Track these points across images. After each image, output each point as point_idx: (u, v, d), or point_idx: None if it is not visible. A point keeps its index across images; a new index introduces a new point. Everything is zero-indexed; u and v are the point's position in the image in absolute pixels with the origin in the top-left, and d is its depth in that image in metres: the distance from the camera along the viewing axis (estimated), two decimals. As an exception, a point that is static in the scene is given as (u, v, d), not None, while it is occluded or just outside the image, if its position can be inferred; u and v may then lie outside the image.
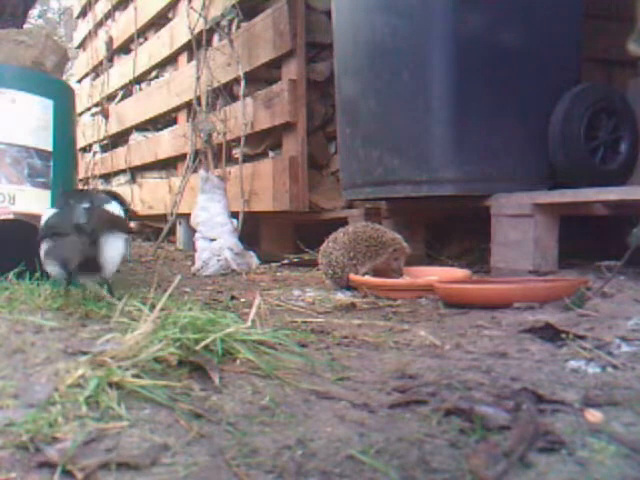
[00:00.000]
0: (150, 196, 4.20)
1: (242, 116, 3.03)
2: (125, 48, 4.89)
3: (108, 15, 5.12)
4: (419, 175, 2.12)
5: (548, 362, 1.01)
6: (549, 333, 1.16)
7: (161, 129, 4.27)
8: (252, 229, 3.08)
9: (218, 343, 0.89)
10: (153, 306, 0.96)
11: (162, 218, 3.80)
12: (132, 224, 4.88)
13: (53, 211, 1.34)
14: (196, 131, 3.29)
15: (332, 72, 2.64)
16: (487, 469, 0.63)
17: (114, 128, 4.79)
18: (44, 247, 1.26)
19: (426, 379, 0.93)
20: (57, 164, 1.64)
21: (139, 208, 4.31)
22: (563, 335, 1.12)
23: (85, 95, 5.36)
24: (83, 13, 5.80)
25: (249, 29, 3.09)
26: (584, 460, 0.65)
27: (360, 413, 0.80)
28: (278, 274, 2.48)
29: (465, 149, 2.06)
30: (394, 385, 0.91)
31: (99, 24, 5.32)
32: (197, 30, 3.33)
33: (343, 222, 2.49)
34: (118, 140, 4.87)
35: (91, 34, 5.40)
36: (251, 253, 2.73)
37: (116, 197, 1.46)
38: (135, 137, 4.60)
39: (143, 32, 4.46)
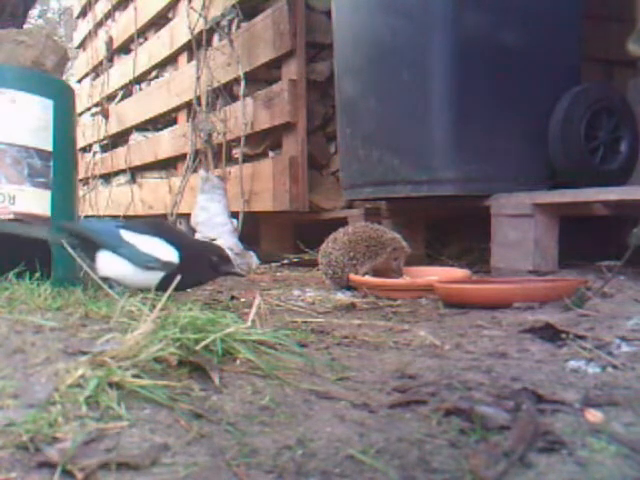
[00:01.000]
0: (150, 196, 4.20)
1: (242, 116, 3.03)
2: (125, 48, 4.89)
3: (108, 15, 5.11)
4: (419, 175, 2.12)
5: (548, 362, 1.01)
6: (549, 333, 1.16)
7: (161, 129, 4.27)
8: (252, 229, 3.08)
9: (218, 343, 0.89)
10: (153, 306, 0.96)
11: (162, 218, 3.80)
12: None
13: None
14: (196, 131, 3.30)
15: (332, 72, 2.64)
16: (487, 469, 0.63)
17: (114, 128, 4.79)
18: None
19: (426, 379, 0.93)
20: (57, 164, 1.64)
21: (139, 208, 4.31)
22: (563, 335, 1.12)
23: (85, 95, 5.36)
24: (83, 13, 5.79)
25: (249, 29, 3.09)
26: (584, 460, 0.65)
27: (360, 413, 0.80)
28: (278, 274, 2.48)
29: (465, 149, 2.06)
30: (394, 385, 0.91)
31: (99, 24, 5.32)
32: (197, 30, 3.34)
33: (343, 222, 2.49)
34: (118, 140, 4.87)
35: (91, 34, 5.40)
36: (251, 253, 2.73)
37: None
38: (135, 137, 4.60)
39: (143, 32, 4.46)
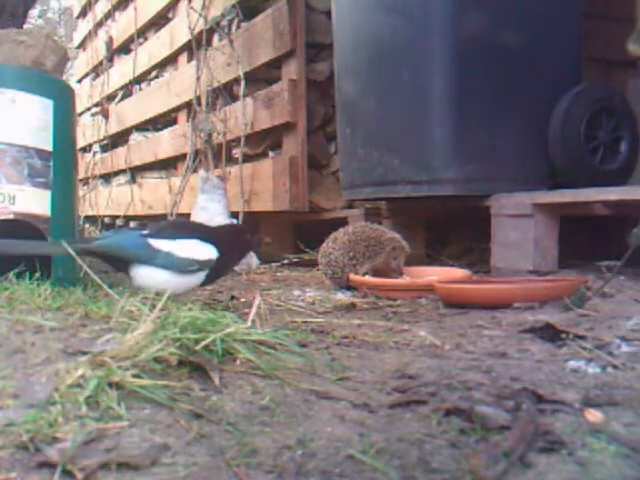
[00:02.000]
0: (150, 196, 4.20)
1: (242, 116, 3.03)
2: (125, 48, 4.89)
3: (108, 15, 5.12)
4: (419, 175, 2.12)
5: (548, 362, 1.01)
6: (549, 333, 1.16)
7: (161, 129, 4.27)
8: (252, 229, 3.08)
9: (218, 343, 0.89)
10: (153, 306, 0.96)
11: (162, 218, 3.80)
12: (132, 224, 4.86)
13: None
14: (196, 131, 3.30)
15: (332, 72, 2.64)
16: (487, 469, 0.63)
17: (114, 128, 4.79)
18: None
19: (426, 379, 0.93)
20: (57, 164, 1.64)
21: (139, 208, 4.31)
22: (563, 335, 1.12)
23: (85, 95, 5.36)
24: (83, 13, 5.80)
25: (249, 29, 3.09)
26: (584, 460, 0.65)
27: (360, 413, 0.80)
28: (278, 274, 2.48)
29: (465, 149, 2.06)
30: (394, 385, 0.91)
31: (99, 24, 5.32)
32: (197, 30, 3.34)
33: (343, 222, 2.49)
34: (118, 140, 4.87)
35: (91, 34, 5.40)
36: (251, 253, 2.72)
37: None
38: (135, 137, 4.60)
39: (143, 32, 4.46)
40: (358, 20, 2.30)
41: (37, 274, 1.41)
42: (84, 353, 0.82)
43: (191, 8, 3.39)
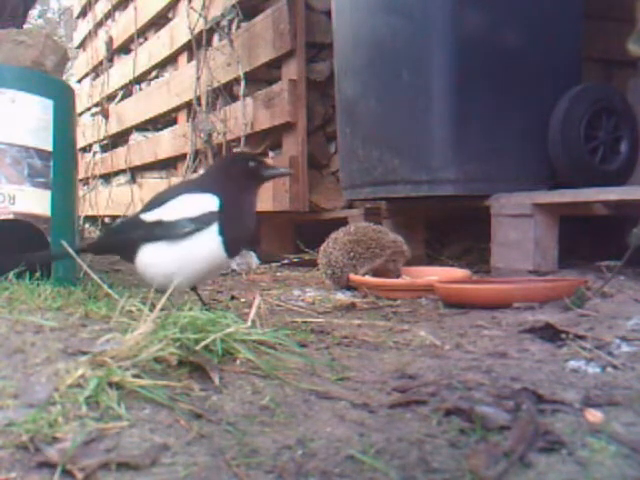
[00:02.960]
0: (150, 196, 4.19)
1: (242, 116, 3.03)
2: (125, 48, 4.89)
3: (108, 15, 5.12)
4: (419, 175, 2.11)
5: (548, 362, 1.01)
6: (549, 333, 1.16)
7: (161, 129, 4.27)
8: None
9: (218, 343, 0.89)
10: (153, 306, 0.96)
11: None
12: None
13: None
14: (196, 131, 3.30)
15: (332, 72, 2.64)
16: (487, 469, 0.63)
17: (114, 128, 4.79)
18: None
19: (426, 379, 0.93)
20: (57, 164, 1.64)
21: (139, 208, 4.31)
22: (563, 335, 1.12)
23: (85, 95, 5.36)
24: (83, 13, 5.80)
25: (249, 29, 3.09)
26: (584, 460, 0.65)
27: (360, 413, 0.80)
28: (278, 274, 2.48)
29: (465, 149, 2.06)
30: (394, 385, 0.92)
31: (99, 24, 5.32)
32: (197, 30, 3.34)
33: (343, 222, 2.48)
34: (118, 140, 4.87)
35: (91, 34, 5.40)
36: (251, 253, 2.72)
37: None
38: (135, 137, 4.60)
39: (143, 32, 4.46)
40: (358, 20, 2.30)
41: (37, 274, 1.41)
42: (84, 353, 0.82)
43: (191, 8, 3.39)
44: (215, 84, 3.26)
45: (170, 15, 4.11)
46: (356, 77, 2.33)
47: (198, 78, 3.34)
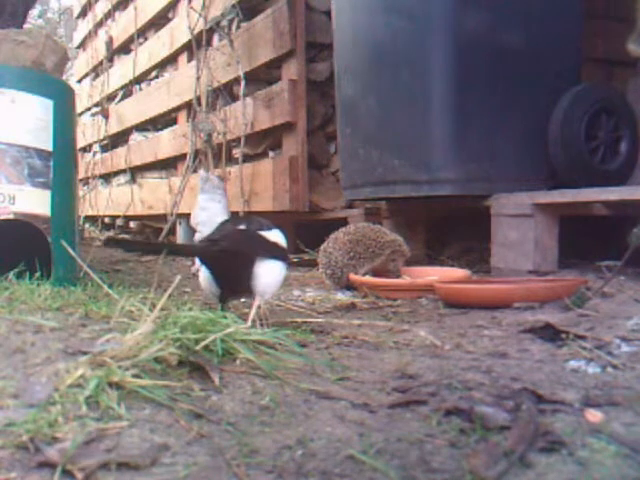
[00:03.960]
0: (150, 196, 4.20)
1: (242, 116, 3.03)
2: (125, 48, 4.89)
3: (108, 15, 5.12)
4: (419, 175, 2.12)
5: (548, 362, 1.01)
6: (549, 333, 1.16)
7: (161, 129, 4.27)
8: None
9: (218, 343, 0.89)
10: (153, 306, 0.96)
11: (162, 218, 3.80)
12: (132, 224, 4.85)
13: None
14: (196, 131, 3.30)
15: (332, 72, 2.64)
16: (487, 469, 0.63)
17: (114, 128, 4.79)
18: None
19: (426, 379, 0.93)
20: (57, 164, 1.64)
21: (139, 208, 4.31)
22: (563, 335, 1.12)
23: (85, 95, 5.36)
24: (83, 13, 5.80)
25: (249, 29, 3.09)
26: (584, 460, 0.65)
27: (360, 413, 0.80)
28: (278, 274, 2.47)
29: (465, 149, 2.06)
30: (394, 385, 0.91)
31: (99, 24, 5.32)
32: (197, 30, 3.34)
33: (343, 222, 2.49)
34: (118, 140, 4.87)
35: (91, 34, 5.40)
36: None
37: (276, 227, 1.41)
38: (135, 137, 4.60)
39: (143, 32, 4.46)
40: (358, 20, 2.30)
41: (37, 274, 1.41)
42: (84, 353, 0.82)
43: (191, 8, 3.39)
44: (215, 84, 3.26)
45: (170, 15, 4.11)
46: (356, 77, 2.33)
47: (198, 78, 3.34)
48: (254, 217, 1.44)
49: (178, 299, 1.43)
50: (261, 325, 1.15)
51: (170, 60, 4.08)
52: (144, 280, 2.15)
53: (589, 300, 1.39)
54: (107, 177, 5.11)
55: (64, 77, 2.64)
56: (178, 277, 1.08)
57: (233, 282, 1.25)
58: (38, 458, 0.61)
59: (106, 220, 4.99)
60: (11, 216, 1.55)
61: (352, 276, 1.92)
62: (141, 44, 4.44)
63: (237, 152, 3.17)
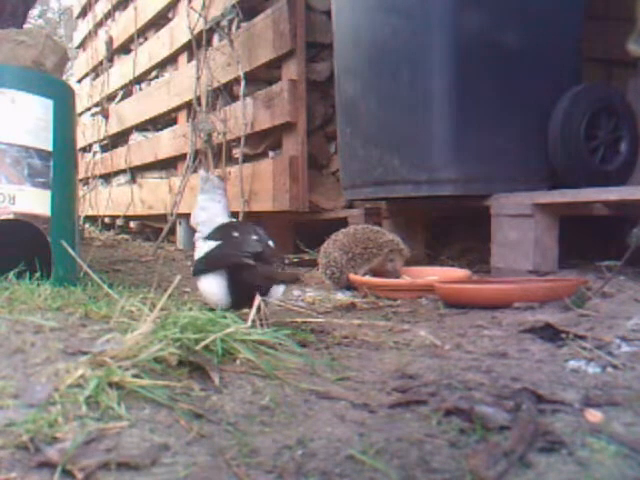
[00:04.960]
0: (150, 196, 4.20)
1: (242, 116, 3.03)
2: (125, 48, 4.89)
3: (108, 15, 5.12)
4: (419, 175, 2.12)
5: (548, 362, 1.01)
6: (549, 333, 1.16)
7: (161, 129, 4.27)
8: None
9: (218, 343, 0.89)
10: (153, 306, 0.96)
11: (162, 218, 3.80)
12: (132, 224, 4.84)
13: (214, 243, 1.34)
14: (196, 131, 3.30)
15: (332, 72, 2.64)
16: (487, 469, 0.63)
17: (114, 128, 4.79)
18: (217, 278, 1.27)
19: (426, 379, 0.93)
20: (57, 164, 1.64)
21: (139, 208, 4.31)
22: (563, 335, 1.12)
23: (85, 95, 5.36)
24: (83, 13, 5.80)
25: (249, 29, 3.09)
26: (584, 460, 0.65)
27: (360, 413, 0.80)
28: (278, 274, 2.47)
29: (465, 149, 2.06)
30: (394, 385, 0.91)
31: (99, 24, 5.32)
32: (197, 30, 3.34)
33: (343, 222, 2.49)
34: (118, 140, 4.87)
35: (91, 34, 5.40)
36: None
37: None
38: (135, 137, 4.60)
39: (143, 32, 4.46)
40: (358, 20, 2.30)
41: (37, 274, 1.41)
42: (84, 353, 0.82)
43: (191, 8, 3.39)
44: (215, 84, 3.26)
45: (170, 15, 4.11)
46: (356, 77, 2.33)
47: (198, 78, 3.34)
48: (250, 224, 1.45)
49: (178, 299, 1.43)
50: (261, 325, 1.15)
51: (170, 60, 4.08)
52: (144, 280, 2.15)
53: (589, 300, 1.39)
54: (107, 177, 5.11)
55: (64, 77, 2.64)
56: (178, 277, 1.08)
57: (250, 295, 1.21)
58: (38, 458, 0.61)
59: (106, 220, 5.00)
60: (11, 216, 1.55)
61: (352, 276, 1.92)
62: (141, 44, 4.44)
63: (237, 152, 3.17)
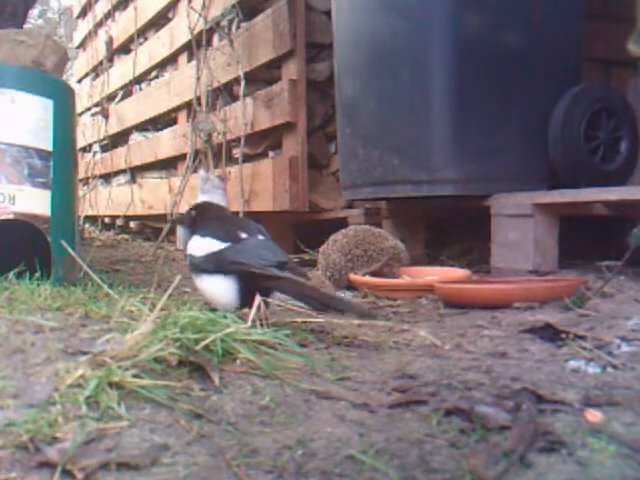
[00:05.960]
0: (150, 196, 4.20)
1: (242, 116, 3.03)
2: (125, 48, 4.89)
3: (108, 15, 5.12)
4: (419, 175, 2.11)
5: (548, 362, 1.01)
6: (549, 333, 1.16)
7: (161, 129, 4.27)
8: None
9: (218, 343, 0.89)
10: (153, 306, 0.96)
11: (162, 218, 3.80)
12: (132, 224, 4.85)
13: (219, 243, 1.29)
14: (196, 131, 3.30)
15: (332, 72, 2.63)
16: (487, 469, 0.63)
17: (114, 128, 4.79)
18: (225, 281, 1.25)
19: (426, 379, 0.93)
20: (57, 164, 1.64)
21: (139, 208, 4.31)
22: (563, 335, 1.12)
23: (85, 95, 5.36)
24: (83, 13, 5.80)
25: (249, 29, 3.09)
26: (584, 460, 0.65)
27: (360, 413, 0.80)
28: (278, 274, 2.47)
29: (465, 149, 2.06)
30: (394, 385, 0.91)
31: (99, 24, 5.32)
32: (197, 30, 3.34)
33: (343, 222, 2.49)
34: (118, 140, 4.87)
35: (91, 34, 5.40)
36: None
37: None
38: (135, 137, 4.60)
39: (143, 32, 4.46)
40: (358, 20, 2.30)
41: (37, 274, 1.41)
42: (84, 353, 0.82)
43: (191, 8, 3.39)
44: (215, 84, 3.26)
45: (170, 15, 4.11)
46: (356, 77, 2.33)
47: (198, 78, 3.34)
48: (250, 220, 1.44)
49: (178, 299, 1.43)
50: (261, 325, 1.15)
51: (170, 60, 4.08)
52: (144, 280, 2.15)
53: (589, 300, 1.39)
54: (107, 177, 5.11)
55: (64, 77, 2.64)
56: (178, 277, 1.08)
57: (252, 297, 1.21)
58: (38, 458, 0.61)
59: (106, 220, 5.00)
60: (11, 216, 1.55)
61: (352, 276, 1.92)
62: (141, 44, 4.44)
63: (237, 152, 3.17)
